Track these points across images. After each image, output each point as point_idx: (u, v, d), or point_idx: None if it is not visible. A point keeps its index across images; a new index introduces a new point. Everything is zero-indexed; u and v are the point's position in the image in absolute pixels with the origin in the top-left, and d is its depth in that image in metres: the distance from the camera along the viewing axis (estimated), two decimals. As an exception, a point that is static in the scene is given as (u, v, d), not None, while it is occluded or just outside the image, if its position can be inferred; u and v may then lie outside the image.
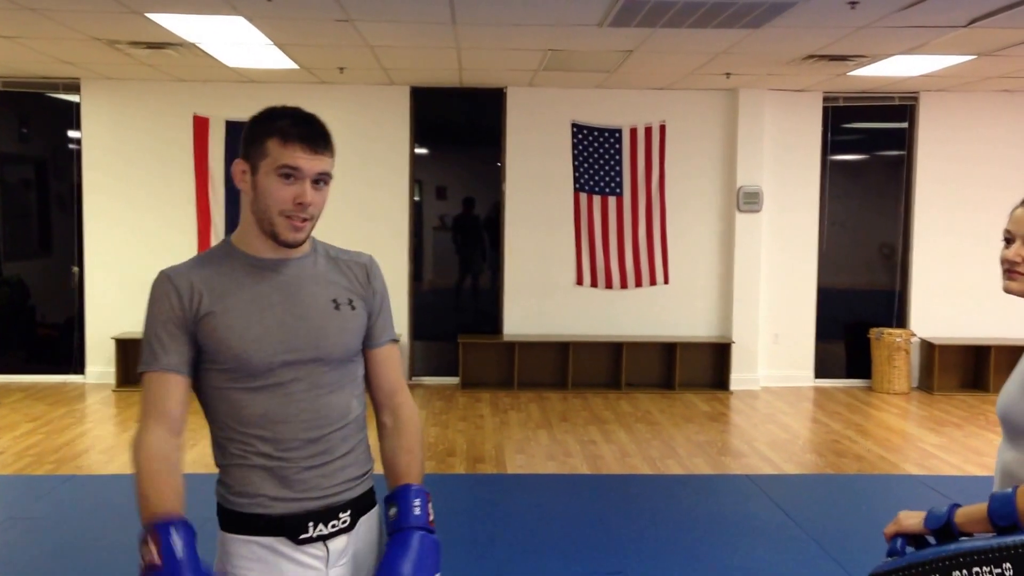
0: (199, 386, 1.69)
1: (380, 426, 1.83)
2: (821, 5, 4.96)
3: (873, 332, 8.05)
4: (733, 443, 6.31)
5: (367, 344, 1.78)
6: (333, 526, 1.67)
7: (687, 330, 8.13)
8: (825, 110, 8.07)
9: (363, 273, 1.78)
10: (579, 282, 8.06)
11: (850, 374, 8.36)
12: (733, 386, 7.96)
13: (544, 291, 8.07)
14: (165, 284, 1.67)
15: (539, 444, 6.12)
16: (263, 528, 1.64)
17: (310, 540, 1.65)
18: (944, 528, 1.68)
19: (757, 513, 4.71)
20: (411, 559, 1.60)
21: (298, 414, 1.66)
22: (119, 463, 5.53)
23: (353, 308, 1.72)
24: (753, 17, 5.21)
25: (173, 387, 1.64)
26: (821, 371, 8.30)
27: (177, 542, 1.51)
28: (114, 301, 7.88)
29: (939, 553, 1.63)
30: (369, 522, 1.75)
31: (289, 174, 1.62)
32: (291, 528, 1.64)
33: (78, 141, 7.88)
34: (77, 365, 7.98)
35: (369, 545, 1.75)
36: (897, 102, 8.12)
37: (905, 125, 8.19)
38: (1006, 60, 6.42)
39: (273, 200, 1.62)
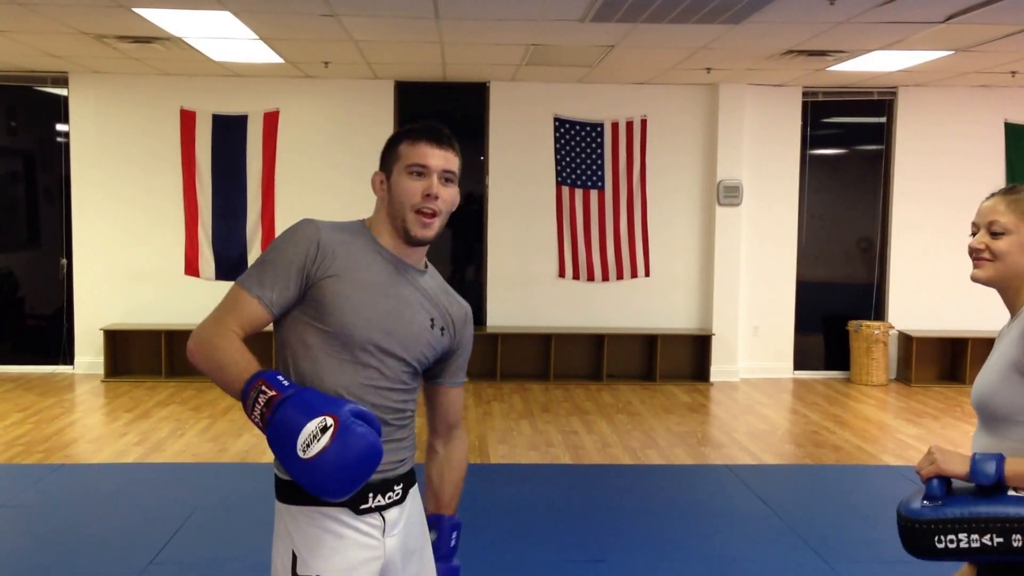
0: (290, 339, 1.74)
1: (431, 450, 2.01)
2: (800, 1, 4.93)
3: (852, 324, 8.05)
4: (713, 434, 6.30)
5: (443, 381, 1.94)
6: (389, 497, 1.78)
7: (668, 322, 8.11)
8: (804, 105, 8.05)
9: (462, 316, 1.92)
10: (561, 274, 8.02)
11: (829, 366, 8.36)
12: (713, 378, 7.96)
13: (527, 283, 8.04)
14: (312, 232, 1.73)
15: (521, 434, 6.09)
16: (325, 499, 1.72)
17: (369, 510, 1.75)
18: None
19: (737, 503, 4.70)
20: None
21: (371, 396, 1.75)
22: (107, 452, 5.48)
23: (443, 335, 1.86)
24: (733, 13, 5.18)
25: (257, 317, 1.70)
26: (800, 363, 8.30)
27: (284, 379, 1.62)
28: (102, 292, 7.80)
29: (995, 513, 1.54)
30: (415, 496, 1.88)
31: (418, 171, 1.75)
32: (354, 499, 1.72)
33: (66, 134, 7.78)
34: (66, 356, 7.90)
35: (417, 517, 1.88)
36: (876, 97, 8.11)
37: (883, 120, 8.18)
38: (983, 56, 6.41)
39: (405, 196, 1.75)
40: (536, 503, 4.63)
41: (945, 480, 1.64)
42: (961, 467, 1.63)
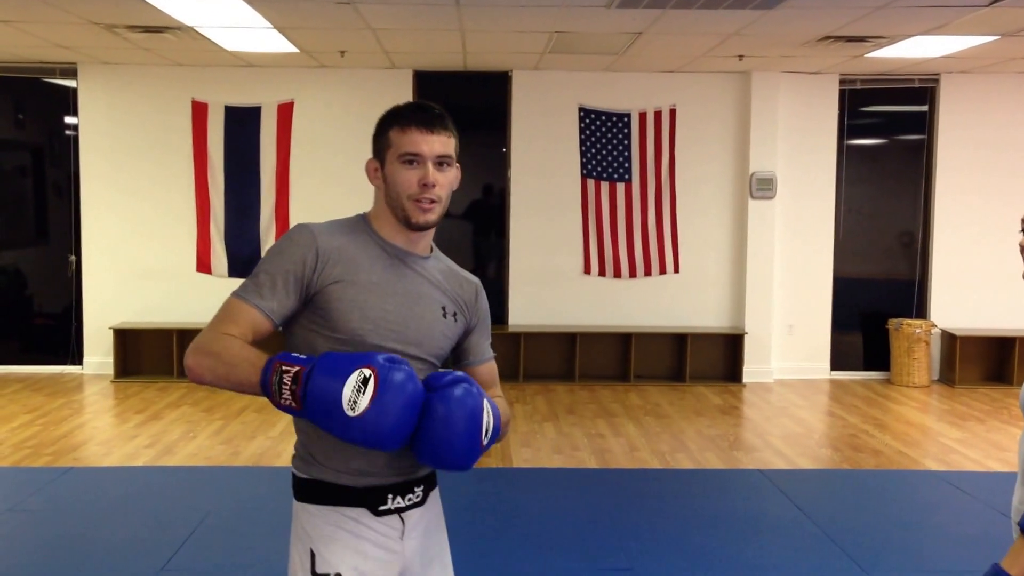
0: (301, 349, 1.74)
1: None
2: (838, -17, 4.88)
3: (892, 323, 7.98)
4: (745, 437, 6.26)
5: (471, 360, 1.94)
6: (409, 499, 1.79)
7: (698, 320, 8.07)
8: (842, 93, 7.98)
9: (472, 292, 1.91)
10: (587, 271, 8.01)
11: (868, 366, 8.29)
12: (746, 378, 7.91)
13: (551, 280, 8.03)
14: (308, 238, 1.72)
15: (545, 437, 6.09)
16: (345, 499, 1.75)
17: (388, 512, 1.77)
18: None
19: (770, 509, 4.67)
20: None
21: None
22: (117, 455, 5.53)
23: (456, 320, 1.86)
24: (767, -4, 5.14)
25: (259, 325, 1.69)
26: (837, 363, 8.24)
27: (299, 354, 1.63)
28: (112, 290, 7.88)
29: None
30: (436, 499, 1.88)
31: (411, 159, 1.73)
32: (372, 500, 1.75)
33: (75, 127, 7.87)
34: (75, 356, 7.99)
35: (437, 521, 1.88)
36: (917, 84, 8.02)
37: (925, 108, 8.09)
38: (1030, 40, 6.32)
39: (401, 186, 1.74)
40: (561, 509, 4.62)
41: None
42: None
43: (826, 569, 3.87)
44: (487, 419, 1.66)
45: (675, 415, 6.78)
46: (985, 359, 7.98)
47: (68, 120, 7.93)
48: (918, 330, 7.79)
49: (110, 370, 7.73)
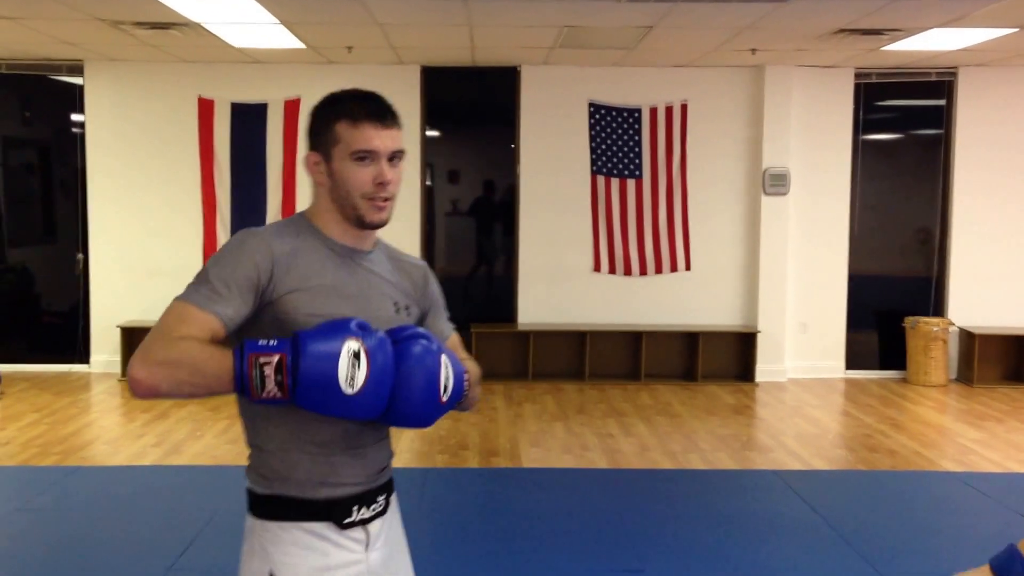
0: None
1: None
2: (852, -25, 4.85)
3: (908, 321, 7.93)
4: (759, 437, 6.24)
5: None
6: (374, 509, 1.75)
7: (710, 319, 8.05)
8: (857, 87, 7.93)
9: (421, 277, 1.88)
10: (597, 268, 7.99)
11: (883, 365, 8.25)
12: (759, 377, 7.88)
13: (560, 278, 8.02)
14: (262, 245, 1.64)
15: (555, 437, 6.08)
16: (309, 514, 1.69)
17: (353, 524, 1.72)
18: None
19: (784, 511, 4.65)
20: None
21: None
22: (125, 454, 5.56)
23: (408, 315, 1.81)
24: (780, -11, 5.11)
25: (215, 333, 1.58)
26: (852, 362, 8.20)
27: (267, 340, 1.53)
28: (119, 288, 7.92)
29: None
30: (396, 505, 1.85)
31: (364, 156, 1.67)
32: (337, 513, 1.69)
33: (82, 124, 7.90)
34: (82, 354, 8.03)
35: (398, 528, 1.85)
36: (934, 78, 7.97)
37: (943, 102, 8.04)
38: (1050, 33, 6.27)
39: (353, 184, 1.68)
40: (571, 510, 4.61)
41: None
42: None
43: (841, 571, 3.85)
44: (445, 374, 1.61)
45: (687, 415, 6.77)
46: (1004, 358, 7.93)
47: (75, 117, 7.96)
48: (935, 328, 7.75)
49: (117, 368, 7.77)
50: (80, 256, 8.01)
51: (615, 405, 7.02)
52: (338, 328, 1.53)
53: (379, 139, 1.68)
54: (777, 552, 4.06)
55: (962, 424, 6.58)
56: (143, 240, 7.90)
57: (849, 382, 8.02)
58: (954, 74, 7.92)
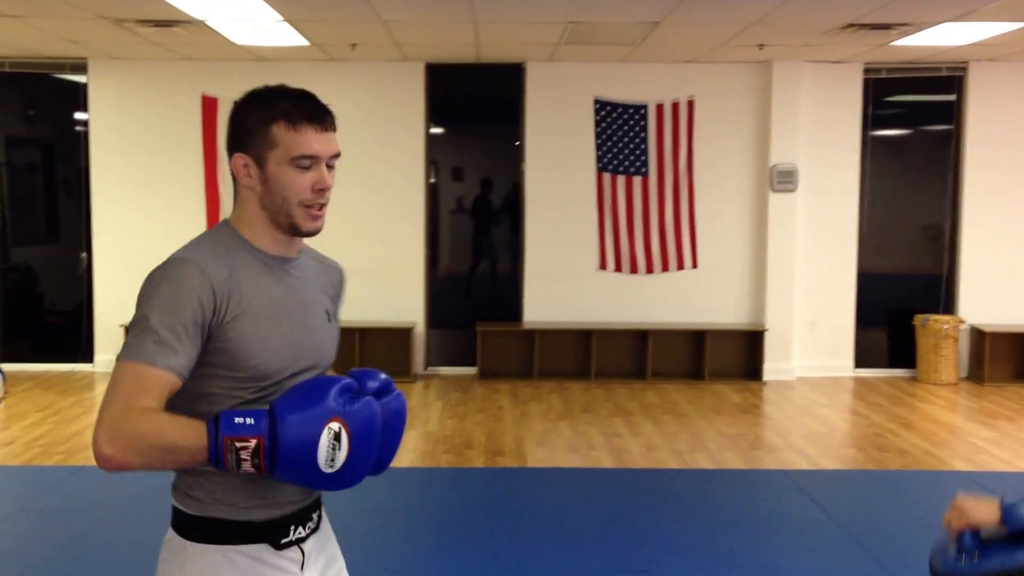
0: (193, 396, 1.57)
1: None
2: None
3: (918, 319, 7.90)
4: (766, 436, 6.23)
5: None
6: (309, 527, 1.70)
7: (717, 317, 8.03)
8: (866, 83, 7.90)
9: (339, 280, 1.83)
10: (603, 267, 7.98)
11: (893, 364, 8.22)
12: (766, 376, 7.86)
13: (566, 276, 8.01)
14: (198, 275, 1.53)
15: (561, 436, 6.08)
16: (245, 536, 1.62)
17: (289, 544, 1.66)
18: None
19: (792, 510, 4.64)
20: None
21: None
22: (127, 456, 5.56)
23: (336, 320, 1.79)
24: (788, -17, 5.09)
25: (172, 388, 1.51)
26: (861, 360, 8.17)
27: (241, 417, 1.47)
28: (123, 288, 7.92)
29: None
30: (326, 520, 1.81)
31: (305, 162, 1.59)
32: (275, 534, 1.64)
33: (85, 123, 7.92)
34: (86, 353, 8.05)
35: (332, 543, 1.81)
36: (944, 73, 7.93)
37: (953, 98, 8.00)
38: (1062, 27, 6.24)
39: (291, 191, 1.59)
40: (577, 510, 4.61)
41: (976, 531, 1.61)
42: (993, 515, 1.60)
43: (850, 572, 3.84)
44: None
45: (694, 414, 6.75)
46: (1015, 356, 7.89)
47: (78, 116, 7.98)
48: (946, 326, 7.71)
49: (121, 368, 7.77)
50: (84, 255, 8.03)
51: (621, 404, 7.01)
52: (319, 402, 1.46)
53: (319, 143, 1.60)
54: (786, 552, 4.05)
55: (973, 423, 6.55)
56: (147, 239, 7.90)
57: (858, 381, 7.99)
58: (964, 69, 7.88)
